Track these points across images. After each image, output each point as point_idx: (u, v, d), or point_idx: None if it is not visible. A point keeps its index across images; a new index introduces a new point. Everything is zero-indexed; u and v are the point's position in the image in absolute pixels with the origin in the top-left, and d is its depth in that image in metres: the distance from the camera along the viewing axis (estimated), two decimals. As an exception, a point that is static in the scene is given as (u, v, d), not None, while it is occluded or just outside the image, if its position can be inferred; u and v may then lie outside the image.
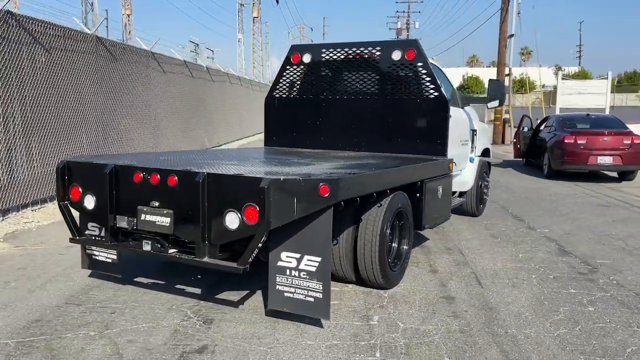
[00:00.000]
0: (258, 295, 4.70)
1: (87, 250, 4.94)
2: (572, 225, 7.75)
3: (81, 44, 9.38)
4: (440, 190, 5.74)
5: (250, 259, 3.68)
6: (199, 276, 5.20)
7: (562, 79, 19.70)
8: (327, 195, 3.69)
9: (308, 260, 3.85)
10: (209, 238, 3.86)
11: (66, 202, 4.59)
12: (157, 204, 4.07)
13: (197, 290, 4.82)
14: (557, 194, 10.60)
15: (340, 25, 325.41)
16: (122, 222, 4.28)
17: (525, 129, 14.77)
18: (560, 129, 12.72)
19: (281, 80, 7.16)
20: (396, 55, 6.35)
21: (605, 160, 11.81)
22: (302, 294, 3.89)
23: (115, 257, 4.73)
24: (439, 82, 6.17)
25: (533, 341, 3.85)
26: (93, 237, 4.77)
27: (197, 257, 3.92)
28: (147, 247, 4.22)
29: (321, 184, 3.69)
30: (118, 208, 4.28)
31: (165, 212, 4.04)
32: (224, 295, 4.71)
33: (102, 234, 4.77)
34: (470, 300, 4.65)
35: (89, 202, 4.43)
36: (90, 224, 4.80)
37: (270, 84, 7.76)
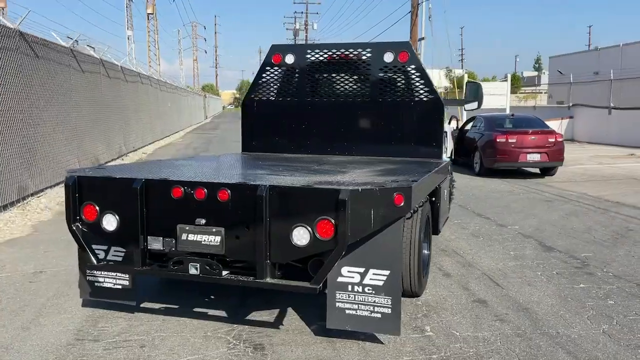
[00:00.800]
0: (291, 314, 4.39)
1: (87, 277, 4.35)
2: (535, 221, 8.14)
3: None
4: (446, 193, 5.76)
5: (325, 277, 3.41)
6: (212, 297, 4.79)
7: (467, 82, 20.75)
8: (401, 204, 3.48)
9: (374, 274, 3.63)
10: (270, 256, 3.52)
11: (77, 224, 3.98)
12: (203, 221, 3.63)
13: (221, 313, 4.42)
14: (498, 191, 11.13)
15: (235, 24, 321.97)
16: (156, 244, 3.79)
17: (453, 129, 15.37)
18: (490, 129, 13.40)
19: (260, 82, 6.76)
20: (388, 57, 6.18)
21: (534, 157, 12.61)
22: (368, 310, 3.67)
23: (128, 282, 4.23)
24: (434, 85, 6.17)
25: (589, 340, 3.93)
26: (107, 262, 4.19)
27: (259, 278, 3.56)
28: (194, 270, 3.71)
29: (396, 193, 3.46)
30: (150, 228, 3.78)
31: (214, 230, 3.63)
32: (254, 316, 4.35)
33: (112, 257, 4.23)
34: (501, 302, 4.68)
35: (109, 222, 3.87)
36: (96, 248, 4.20)
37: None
